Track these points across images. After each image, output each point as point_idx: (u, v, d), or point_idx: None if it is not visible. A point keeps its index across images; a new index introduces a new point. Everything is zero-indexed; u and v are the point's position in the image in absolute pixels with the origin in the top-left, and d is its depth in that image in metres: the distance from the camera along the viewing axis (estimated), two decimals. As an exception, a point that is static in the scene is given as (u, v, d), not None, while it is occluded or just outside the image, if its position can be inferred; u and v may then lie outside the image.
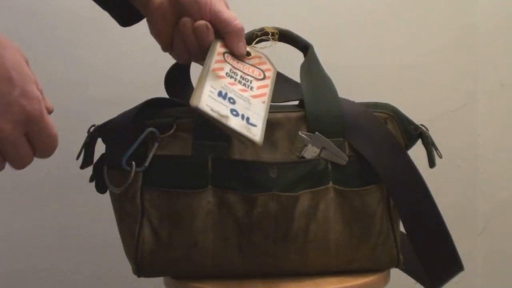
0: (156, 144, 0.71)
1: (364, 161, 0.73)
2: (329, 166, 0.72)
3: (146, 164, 0.71)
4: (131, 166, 0.71)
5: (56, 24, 1.02)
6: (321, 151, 0.71)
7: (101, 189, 0.76)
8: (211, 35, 0.71)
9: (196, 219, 0.71)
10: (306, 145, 0.71)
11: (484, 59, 1.28)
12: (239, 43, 0.72)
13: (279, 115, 0.74)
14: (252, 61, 0.74)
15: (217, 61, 0.69)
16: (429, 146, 0.77)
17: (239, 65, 0.71)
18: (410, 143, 0.77)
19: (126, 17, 0.76)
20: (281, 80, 0.82)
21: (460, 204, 1.28)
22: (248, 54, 0.75)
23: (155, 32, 0.73)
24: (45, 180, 1.09)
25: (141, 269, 0.73)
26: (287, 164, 0.72)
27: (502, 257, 1.30)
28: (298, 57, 0.80)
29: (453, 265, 0.76)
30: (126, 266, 0.75)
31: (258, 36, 0.78)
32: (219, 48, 0.71)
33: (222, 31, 0.72)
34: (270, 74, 0.74)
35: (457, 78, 1.28)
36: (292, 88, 0.79)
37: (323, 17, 1.21)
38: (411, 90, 1.24)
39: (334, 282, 0.72)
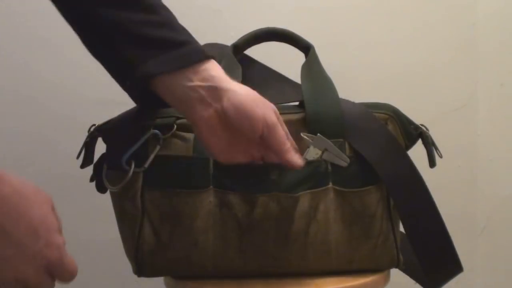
0: (158, 147, 0.71)
1: (364, 161, 0.73)
2: (329, 167, 0.72)
3: (146, 165, 0.71)
4: (130, 166, 0.71)
5: (56, 24, 1.02)
6: (323, 153, 0.71)
7: (101, 189, 0.76)
8: None
9: (197, 219, 0.71)
10: (308, 147, 0.71)
11: (484, 59, 1.28)
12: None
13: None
14: None
15: None
16: (429, 146, 0.77)
17: None
18: (410, 143, 0.77)
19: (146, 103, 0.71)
20: (281, 80, 0.82)
21: (460, 204, 1.28)
22: None
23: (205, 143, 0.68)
24: (45, 179, 1.09)
25: (141, 269, 0.73)
26: (287, 165, 0.72)
27: (502, 257, 1.30)
28: (298, 57, 0.80)
29: (453, 266, 0.77)
30: (126, 266, 0.75)
31: None
32: None
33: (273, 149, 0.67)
34: None
35: (457, 78, 1.28)
36: (292, 89, 0.79)
37: (323, 18, 1.21)
38: (411, 90, 1.24)
39: (334, 282, 0.72)
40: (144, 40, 0.65)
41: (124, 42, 0.65)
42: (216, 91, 0.64)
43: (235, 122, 0.64)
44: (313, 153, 0.71)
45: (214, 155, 0.68)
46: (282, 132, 0.66)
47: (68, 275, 0.55)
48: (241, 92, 0.65)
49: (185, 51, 0.65)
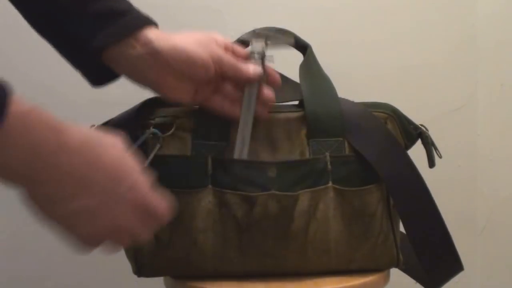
0: (158, 146, 0.71)
1: (363, 161, 0.73)
2: (329, 166, 0.72)
3: (146, 164, 0.71)
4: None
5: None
6: (266, 43, 0.71)
7: None
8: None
9: (196, 219, 0.71)
10: (251, 44, 0.72)
11: (483, 59, 1.28)
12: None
13: (279, 115, 0.74)
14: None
15: None
16: (429, 146, 0.77)
17: None
18: (410, 143, 0.77)
19: (98, 77, 0.72)
20: (280, 80, 0.82)
21: (460, 204, 1.28)
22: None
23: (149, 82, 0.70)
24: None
25: (141, 269, 0.73)
26: (286, 164, 0.72)
27: (502, 257, 1.30)
28: (297, 57, 0.80)
29: (453, 265, 0.77)
30: (126, 266, 0.75)
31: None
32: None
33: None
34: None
35: (457, 78, 1.28)
36: (291, 88, 0.79)
37: (322, 17, 1.21)
38: (411, 90, 1.24)
39: (334, 282, 0.72)
40: (89, 14, 0.66)
41: (71, 19, 0.66)
42: (156, 55, 0.67)
43: (185, 71, 0.68)
44: (257, 47, 0.72)
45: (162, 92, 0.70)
46: (228, 57, 0.69)
47: (159, 214, 0.56)
48: (179, 43, 0.67)
49: (127, 20, 0.67)
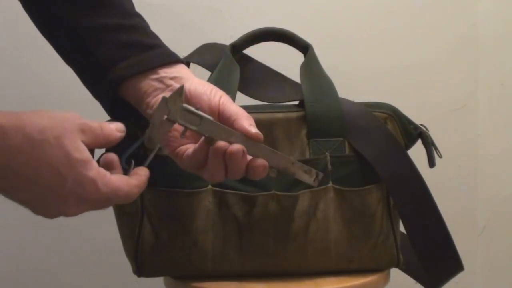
0: (158, 146, 0.71)
1: (364, 161, 0.73)
2: (329, 166, 0.72)
3: (146, 164, 0.71)
4: (130, 165, 0.70)
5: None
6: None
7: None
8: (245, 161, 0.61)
9: (196, 219, 0.71)
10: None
11: (484, 59, 1.28)
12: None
13: (279, 115, 0.74)
14: None
15: None
16: (429, 146, 0.77)
17: None
18: (410, 143, 0.77)
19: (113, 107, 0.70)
20: (280, 80, 0.82)
21: (460, 204, 1.28)
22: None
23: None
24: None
25: (141, 269, 0.73)
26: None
27: (502, 257, 1.30)
28: (298, 57, 0.80)
29: (453, 265, 0.77)
30: (126, 266, 0.75)
31: None
32: None
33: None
34: None
35: (457, 78, 1.27)
36: (292, 88, 0.79)
37: (322, 17, 1.21)
38: (411, 90, 1.24)
39: (334, 282, 0.73)
40: (116, 44, 0.66)
41: (98, 47, 0.66)
42: (178, 79, 0.65)
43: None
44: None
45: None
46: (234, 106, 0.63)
47: (116, 198, 0.56)
48: (196, 81, 0.65)
49: (155, 53, 0.66)
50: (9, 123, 0.51)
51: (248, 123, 0.60)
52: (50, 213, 0.55)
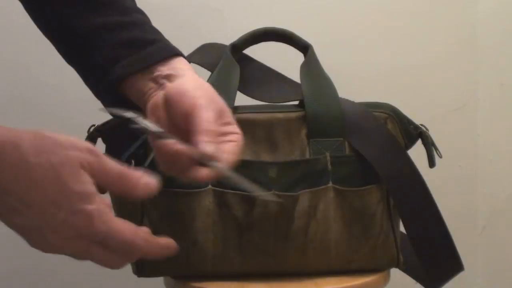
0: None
1: (364, 161, 0.73)
2: (329, 166, 0.72)
3: (146, 164, 0.71)
4: (130, 165, 0.71)
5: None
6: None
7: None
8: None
9: (196, 219, 0.71)
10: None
11: (484, 59, 1.28)
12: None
13: (279, 115, 0.74)
14: None
15: None
16: (429, 146, 0.77)
17: None
18: (410, 143, 0.77)
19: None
20: (280, 80, 0.82)
21: (460, 204, 1.28)
22: None
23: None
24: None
25: (141, 269, 0.73)
26: (286, 164, 0.72)
27: (502, 257, 1.30)
28: (298, 57, 0.80)
29: (453, 265, 0.77)
30: (126, 266, 0.75)
31: None
32: None
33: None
34: None
35: (457, 78, 1.27)
36: (292, 88, 0.79)
37: (322, 17, 1.21)
38: (411, 90, 1.24)
39: (334, 282, 0.72)
40: (115, 42, 0.65)
41: (97, 46, 0.65)
42: (171, 77, 0.63)
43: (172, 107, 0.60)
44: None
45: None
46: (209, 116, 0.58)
47: (121, 245, 0.51)
48: (189, 78, 0.62)
49: (152, 49, 0.65)
50: (8, 140, 0.48)
51: (205, 139, 0.56)
52: (44, 245, 0.51)
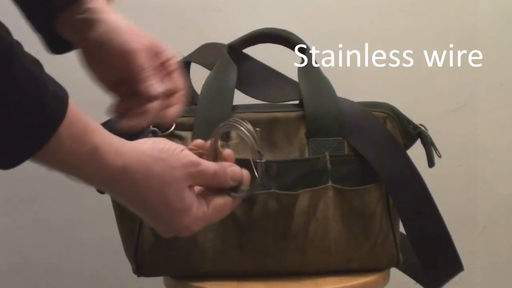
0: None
1: (363, 160, 0.73)
2: (329, 165, 0.72)
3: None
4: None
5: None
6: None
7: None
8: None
9: (196, 218, 0.71)
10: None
11: (484, 59, 1.28)
12: None
13: (279, 114, 0.75)
14: None
15: None
16: (428, 145, 0.77)
17: None
18: (409, 143, 0.77)
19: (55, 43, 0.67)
20: (280, 79, 0.82)
21: (460, 204, 1.28)
22: None
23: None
24: (46, 180, 1.09)
25: (141, 269, 0.73)
26: (286, 163, 0.72)
27: (502, 257, 1.30)
28: (297, 57, 0.80)
29: (453, 265, 0.77)
30: (126, 266, 0.75)
31: None
32: None
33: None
34: None
35: (457, 78, 1.27)
36: (291, 88, 0.79)
37: (322, 17, 1.21)
38: (411, 89, 1.24)
39: (334, 281, 0.73)
40: None
41: None
42: (90, 22, 0.64)
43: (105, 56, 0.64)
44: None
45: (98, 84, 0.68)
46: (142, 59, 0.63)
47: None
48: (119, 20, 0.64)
49: None
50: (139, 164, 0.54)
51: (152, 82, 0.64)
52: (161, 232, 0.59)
